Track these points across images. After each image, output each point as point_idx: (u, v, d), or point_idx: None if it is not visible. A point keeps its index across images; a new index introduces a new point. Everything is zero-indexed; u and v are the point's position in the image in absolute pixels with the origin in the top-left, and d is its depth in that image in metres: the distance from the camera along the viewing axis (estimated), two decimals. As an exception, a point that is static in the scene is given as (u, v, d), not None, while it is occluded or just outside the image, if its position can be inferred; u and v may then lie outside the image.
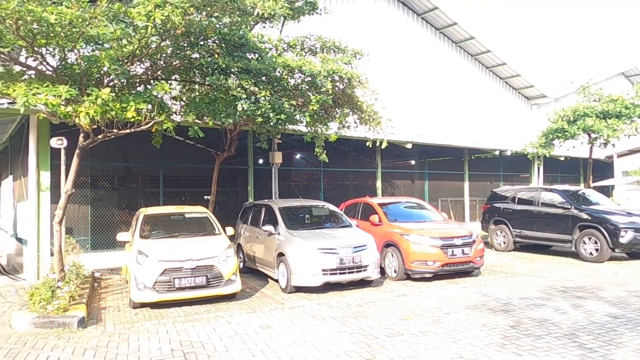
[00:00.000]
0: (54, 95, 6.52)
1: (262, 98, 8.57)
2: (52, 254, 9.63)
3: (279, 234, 9.02)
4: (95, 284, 9.52)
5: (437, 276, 9.61)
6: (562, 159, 20.99)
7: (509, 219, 13.76)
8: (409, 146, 16.21)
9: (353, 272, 8.54)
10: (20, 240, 13.14)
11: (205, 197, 12.10)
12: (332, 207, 10.51)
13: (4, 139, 15.14)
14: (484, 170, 20.59)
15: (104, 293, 8.87)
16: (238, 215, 11.75)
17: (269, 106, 8.44)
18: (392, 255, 9.74)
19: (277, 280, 8.98)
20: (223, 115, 8.43)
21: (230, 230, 9.04)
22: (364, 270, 8.63)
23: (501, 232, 13.97)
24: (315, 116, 9.90)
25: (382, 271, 9.68)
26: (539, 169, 20.79)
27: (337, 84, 10.06)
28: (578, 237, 11.80)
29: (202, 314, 7.16)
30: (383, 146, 11.62)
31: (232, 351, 5.42)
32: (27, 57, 7.75)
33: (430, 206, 12.17)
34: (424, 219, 10.81)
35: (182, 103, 9.45)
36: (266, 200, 11.37)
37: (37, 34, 6.64)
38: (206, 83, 8.68)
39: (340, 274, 8.43)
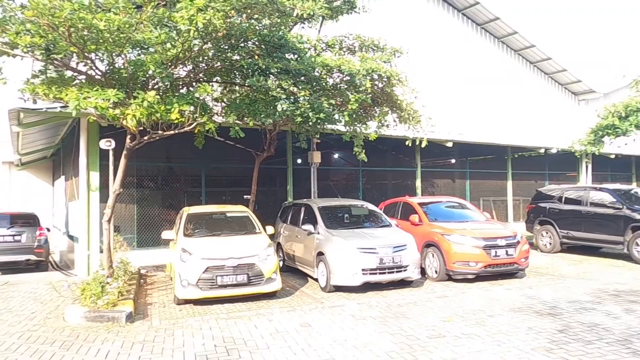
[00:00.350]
0: (103, 99, 6.80)
1: (302, 98, 8.63)
2: (101, 251, 10.05)
3: (318, 233, 9.06)
4: (142, 281, 9.84)
5: (479, 277, 9.39)
6: (613, 156, 20.04)
7: (556, 219, 13.27)
8: (450, 145, 15.91)
9: (393, 272, 8.46)
10: (71, 237, 13.77)
11: (245, 196, 12.30)
12: (371, 207, 10.46)
13: (56, 141, 15.91)
14: (528, 169, 19.93)
15: (149, 289, 9.17)
16: (277, 214, 11.87)
17: (308, 106, 8.48)
18: (433, 255, 9.59)
19: (316, 279, 9.02)
20: (263, 115, 8.54)
21: (270, 229, 9.14)
22: (404, 270, 8.54)
23: (547, 233, 13.49)
24: (354, 115, 9.88)
25: (423, 272, 9.56)
26: (587, 167, 19.95)
27: (376, 82, 10.00)
28: (630, 239, 11.25)
29: (243, 311, 7.29)
30: (423, 145, 11.46)
31: (274, 349, 5.49)
32: (77, 63, 8.11)
33: (472, 206, 11.91)
34: (466, 219, 10.59)
35: (223, 104, 9.64)
36: (305, 199, 11.45)
37: (88, 40, 6.94)
38: (246, 84, 8.82)
39: (380, 273, 8.38)
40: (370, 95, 9.68)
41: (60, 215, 17.23)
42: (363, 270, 8.25)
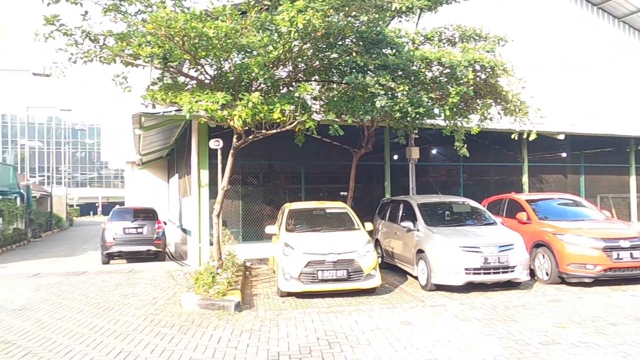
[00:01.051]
0: (212, 102, 7.28)
1: (400, 93, 8.52)
2: (211, 244, 10.77)
3: (418, 230, 8.89)
4: (247, 273, 10.40)
5: (597, 282, 8.58)
6: None
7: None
8: (561, 137, 14.71)
9: (499, 273, 8.04)
10: (184, 230, 14.95)
11: (342, 193, 12.44)
12: (473, 204, 10.02)
13: (170, 142, 17.36)
14: (655, 162, 17.78)
15: (254, 281, 9.65)
16: (375, 210, 11.85)
17: (407, 101, 8.34)
18: (544, 256, 8.95)
19: (416, 277, 8.86)
20: (361, 112, 8.57)
21: (369, 226, 9.16)
22: (511, 271, 8.07)
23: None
24: (455, 109, 9.52)
25: (532, 273, 8.96)
26: None
27: (479, 73, 9.54)
28: None
29: (343, 306, 7.38)
30: (531, 138, 10.71)
31: (375, 345, 5.49)
32: (188, 69, 8.78)
33: (588, 203, 10.92)
34: (581, 217, 9.73)
35: (322, 102, 9.82)
36: (404, 196, 11.28)
37: (199, 47, 7.46)
38: (344, 82, 8.90)
39: (484, 274, 8.01)
40: (473, 87, 9.26)
41: (174, 210, 18.79)
42: (466, 269, 7.94)
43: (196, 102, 7.39)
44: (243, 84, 8.57)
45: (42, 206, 31.93)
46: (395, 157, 14.96)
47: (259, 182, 13.76)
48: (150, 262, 14.04)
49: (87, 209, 64.52)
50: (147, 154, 19.51)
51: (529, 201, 10.19)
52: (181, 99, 7.63)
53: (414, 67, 9.06)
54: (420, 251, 8.59)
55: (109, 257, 13.99)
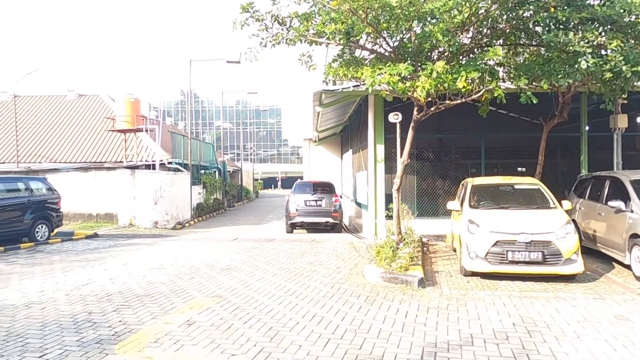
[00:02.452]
0: (394, 74, 7.14)
1: (611, 50, 7.26)
2: (387, 218, 10.84)
3: (631, 211, 7.56)
4: (425, 249, 10.21)
5: None
6: None
7: None
8: None
9: None
10: (359, 204, 15.38)
11: (520, 168, 11.31)
12: None
13: (344, 119, 17.90)
14: None
15: (433, 257, 9.42)
16: (563, 188, 10.51)
17: (621, 58, 7.06)
18: None
19: (628, 266, 7.59)
20: (560, 76, 7.54)
21: (567, 204, 8.13)
22: None
23: None
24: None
25: None
26: None
27: None
28: None
29: (538, 291, 6.71)
30: None
31: (585, 339, 4.83)
32: (367, 43, 8.75)
33: None
34: None
35: (508, 68, 8.94)
36: (610, 171, 9.74)
37: (381, 18, 7.36)
38: (542, 42, 7.93)
39: None
40: None
41: (348, 184, 19.49)
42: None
43: (378, 75, 7.35)
44: (424, 53, 8.24)
45: (234, 179, 36.28)
46: (587, 127, 13.01)
47: (434, 156, 13.33)
48: (327, 233, 14.84)
49: (269, 182, 71.48)
50: (323, 131, 20.47)
51: None
52: (362, 73, 7.67)
53: (630, 18, 7.61)
54: (635, 236, 7.31)
55: (292, 227, 15.16)
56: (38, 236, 12.39)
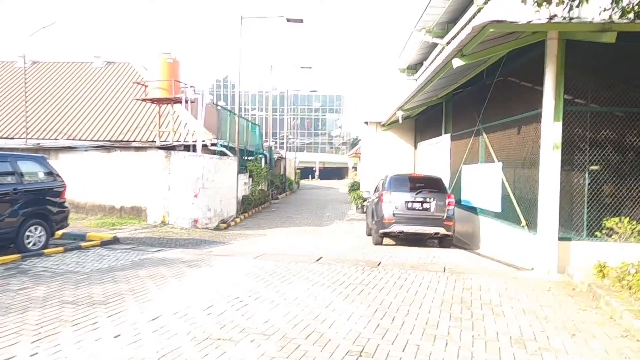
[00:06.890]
0: None
1: None
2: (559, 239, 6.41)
3: None
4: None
5: None
6: None
7: None
8: None
9: None
10: (473, 209, 10.92)
11: None
12: None
13: (439, 95, 13.36)
14: None
15: None
16: None
17: None
18: None
19: None
20: None
21: None
22: None
23: None
24: None
25: None
26: None
27: None
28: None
29: None
30: None
31: None
32: None
33: None
34: None
35: None
36: None
37: None
38: None
39: None
40: None
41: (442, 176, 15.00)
42: None
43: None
44: None
45: (276, 168, 32.22)
46: None
47: None
48: (430, 248, 10.54)
49: (306, 172, 67.52)
50: (410, 109, 16.07)
51: None
52: None
53: None
54: None
55: (383, 236, 10.89)
56: (29, 243, 8.27)
